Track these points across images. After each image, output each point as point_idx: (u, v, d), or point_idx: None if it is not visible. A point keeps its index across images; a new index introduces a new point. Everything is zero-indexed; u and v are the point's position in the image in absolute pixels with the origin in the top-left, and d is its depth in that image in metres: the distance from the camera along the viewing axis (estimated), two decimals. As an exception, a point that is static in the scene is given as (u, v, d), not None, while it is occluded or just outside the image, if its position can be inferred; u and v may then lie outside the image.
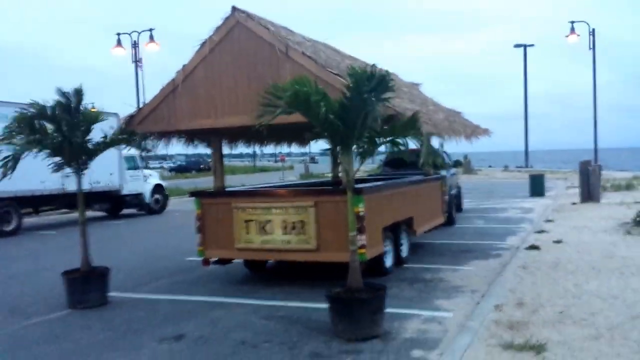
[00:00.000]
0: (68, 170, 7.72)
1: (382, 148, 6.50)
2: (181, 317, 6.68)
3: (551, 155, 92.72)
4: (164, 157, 71.17)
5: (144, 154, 19.89)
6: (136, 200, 19.97)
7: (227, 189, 9.67)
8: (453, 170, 15.99)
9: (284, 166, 48.07)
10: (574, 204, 17.21)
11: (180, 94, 8.37)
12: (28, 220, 17.50)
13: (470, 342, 5.22)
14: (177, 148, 15.29)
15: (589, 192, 17.63)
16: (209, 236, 8.30)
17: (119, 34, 29.94)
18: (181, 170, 62.79)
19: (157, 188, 20.69)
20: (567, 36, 33.15)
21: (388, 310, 5.94)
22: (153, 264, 10.31)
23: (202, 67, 8.27)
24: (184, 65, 8.36)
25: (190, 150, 10.82)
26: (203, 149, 11.02)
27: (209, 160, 47.45)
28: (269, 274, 9.16)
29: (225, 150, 10.46)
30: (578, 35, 32.98)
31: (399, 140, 6.17)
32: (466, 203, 17.94)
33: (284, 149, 18.79)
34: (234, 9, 8.05)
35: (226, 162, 10.12)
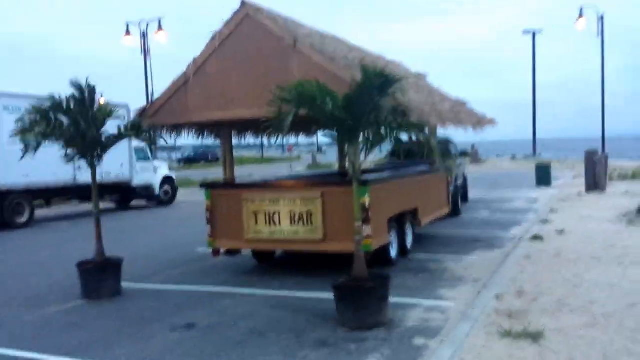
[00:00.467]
0: (80, 161, 7.84)
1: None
2: (191, 307, 6.92)
3: (561, 144, 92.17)
4: (172, 148, 71.52)
5: (153, 147, 20.03)
6: (146, 191, 20.11)
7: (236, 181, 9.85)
8: (459, 160, 16.12)
9: (291, 157, 48.17)
10: (579, 193, 17.31)
11: (191, 87, 8.54)
12: (39, 213, 17.77)
13: (470, 330, 5.42)
14: (185, 139, 15.46)
15: (595, 181, 17.71)
16: (219, 227, 8.48)
17: (127, 24, 30.07)
18: (189, 161, 63.15)
19: (167, 179, 20.84)
20: (576, 21, 31.81)
21: (393, 300, 6.14)
22: (164, 254, 10.54)
23: (212, 60, 8.43)
24: (194, 59, 8.53)
25: (199, 141, 11.03)
26: (211, 140, 11.19)
27: (217, 151, 47.69)
28: (277, 265, 9.38)
29: (234, 141, 10.63)
30: (585, 20, 31.81)
31: (404, 137, 6.34)
32: (472, 193, 18.07)
33: (292, 139, 18.95)
34: (243, 2, 8.19)
35: (235, 153, 10.29)
